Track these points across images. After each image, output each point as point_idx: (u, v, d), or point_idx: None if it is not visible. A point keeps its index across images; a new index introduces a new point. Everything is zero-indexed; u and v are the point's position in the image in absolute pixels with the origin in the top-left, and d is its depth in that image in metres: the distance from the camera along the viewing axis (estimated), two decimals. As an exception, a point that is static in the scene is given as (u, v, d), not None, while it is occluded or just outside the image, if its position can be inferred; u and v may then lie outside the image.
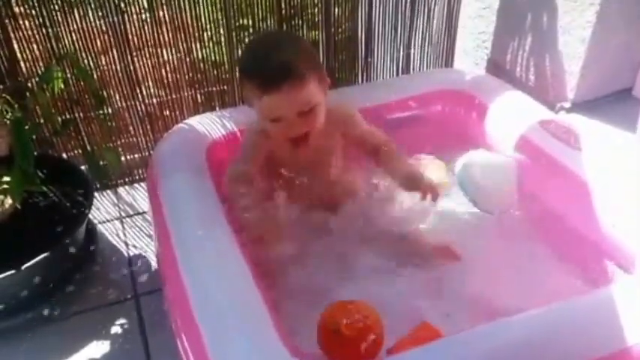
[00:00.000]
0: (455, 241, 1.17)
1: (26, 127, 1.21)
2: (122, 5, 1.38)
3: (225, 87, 1.58)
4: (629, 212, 1.08)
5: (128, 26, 1.42)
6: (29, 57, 1.38)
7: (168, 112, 1.58)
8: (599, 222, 1.12)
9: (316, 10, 1.55)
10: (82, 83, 1.43)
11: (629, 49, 1.43)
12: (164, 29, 1.45)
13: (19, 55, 1.37)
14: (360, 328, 0.84)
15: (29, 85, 1.39)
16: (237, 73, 1.14)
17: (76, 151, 1.55)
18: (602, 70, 1.45)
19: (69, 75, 1.40)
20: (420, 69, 1.76)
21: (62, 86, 1.35)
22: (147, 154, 1.61)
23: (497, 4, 1.61)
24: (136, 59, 1.47)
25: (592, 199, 1.13)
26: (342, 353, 0.86)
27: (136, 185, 1.64)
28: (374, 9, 1.61)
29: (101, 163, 1.45)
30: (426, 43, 1.72)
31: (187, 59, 1.51)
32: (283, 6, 1.50)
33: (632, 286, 0.93)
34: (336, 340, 0.85)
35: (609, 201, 1.12)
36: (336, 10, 1.57)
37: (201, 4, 1.44)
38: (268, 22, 1.52)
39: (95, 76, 1.45)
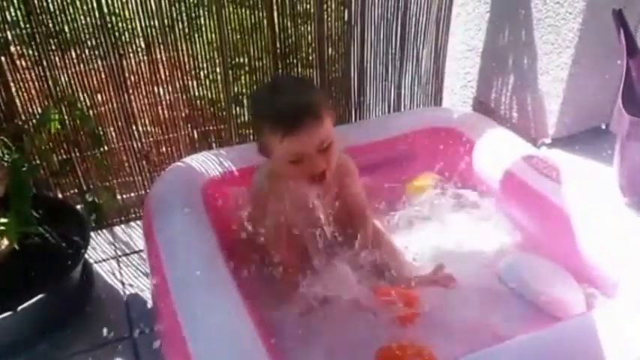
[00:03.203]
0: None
1: (24, 169, 1.22)
2: (119, 44, 1.40)
3: (223, 125, 1.60)
4: (608, 240, 1.13)
5: (125, 66, 1.43)
6: (26, 99, 1.39)
7: (164, 149, 1.59)
8: (580, 250, 1.17)
9: (310, 49, 1.60)
10: (78, 123, 1.43)
11: (605, 87, 1.50)
12: (161, 68, 1.47)
13: (16, 97, 1.37)
14: None
15: (26, 127, 1.39)
16: (253, 124, 1.18)
17: (72, 191, 1.54)
18: (580, 107, 1.52)
19: (66, 116, 1.41)
20: (410, 108, 1.82)
21: (59, 127, 1.36)
22: (143, 192, 1.61)
23: (481, 46, 1.69)
24: (132, 97, 1.48)
25: (573, 229, 1.18)
26: None
27: (132, 224, 1.63)
28: (365, 50, 1.67)
29: (97, 202, 1.45)
30: (416, 83, 1.79)
31: (184, 97, 1.53)
32: (278, 45, 1.54)
33: (613, 312, 0.97)
34: None
35: (589, 230, 1.17)
36: (330, 50, 1.62)
37: (197, 43, 1.47)
38: (263, 60, 1.55)
39: (91, 113, 1.46)
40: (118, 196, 1.58)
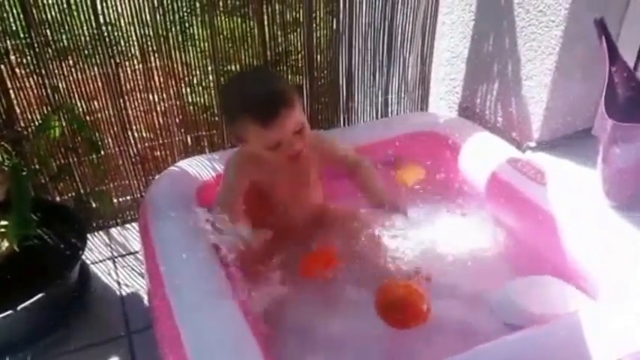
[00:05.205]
0: (424, 264, 1.22)
1: (23, 174, 1.26)
2: (115, 53, 1.44)
3: (215, 131, 1.65)
4: (591, 242, 1.16)
5: (121, 73, 1.48)
6: (25, 106, 1.43)
7: (159, 154, 1.63)
8: (564, 252, 1.19)
9: (299, 57, 1.64)
10: (76, 129, 1.46)
11: (587, 92, 1.52)
12: (155, 75, 1.52)
13: (15, 104, 1.41)
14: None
15: (26, 133, 1.44)
16: (225, 115, 1.24)
17: (69, 194, 1.58)
18: (563, 112, 1.55)
19: (64, 123, 1.44)
20: (397, 113, 1.85)
21: (57, 134, 1.40)
22: (138, 195, 1.65)
23: (466, 53, 1.72)
24: (127, 104, 1.52)
25: (557, 231, 1.21)
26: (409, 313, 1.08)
27: (127, 226, 1.67)
28: (353, 57, 1.71)
29: (94, 205, 1.49)
30: (403, 89, 1.82)
31: (177, 103, 1.56)
32: (268, 53, 1.59)
33: (597, 312, 0.99)
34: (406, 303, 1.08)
35: (573, 232, 1.19)
36: (318, 57, 1.66)
37: (190, 52, 1.51)
38: (254, 68, 1.60)
39: (88, 120, 1.49)
40: (114, 200, 1.63)
